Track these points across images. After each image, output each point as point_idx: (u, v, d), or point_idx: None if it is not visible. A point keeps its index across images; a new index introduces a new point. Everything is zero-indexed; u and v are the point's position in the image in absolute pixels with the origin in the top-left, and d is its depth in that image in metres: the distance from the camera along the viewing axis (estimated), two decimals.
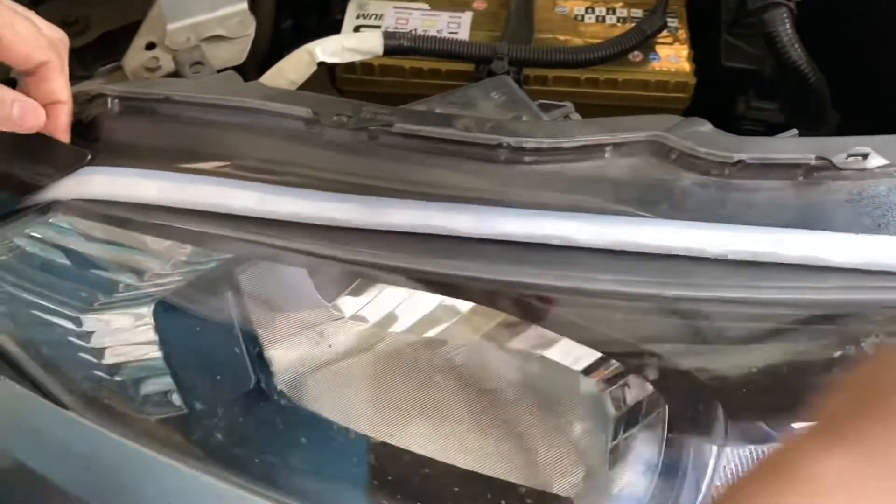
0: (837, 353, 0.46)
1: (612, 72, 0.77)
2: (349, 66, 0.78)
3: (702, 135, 0.53)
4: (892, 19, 0.76)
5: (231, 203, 0.51)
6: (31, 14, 0.53)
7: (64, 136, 0.54)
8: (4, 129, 0.51)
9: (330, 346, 0.72)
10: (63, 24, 0.93)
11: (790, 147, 0.51)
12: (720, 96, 0.81)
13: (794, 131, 0.57)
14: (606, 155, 0.52)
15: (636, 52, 0.78)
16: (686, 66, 0.78)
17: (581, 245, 0.49)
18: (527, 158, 0.53)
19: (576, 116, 0.61)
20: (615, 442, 0.58)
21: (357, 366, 0.73)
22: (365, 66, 0.79)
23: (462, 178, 0.53)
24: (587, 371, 0.57)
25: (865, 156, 0.50)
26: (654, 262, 0.48)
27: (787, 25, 0.70)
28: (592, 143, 0.52)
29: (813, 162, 0.50)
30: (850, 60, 0.82)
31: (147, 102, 0.58)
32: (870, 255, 0.47)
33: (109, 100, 0.58)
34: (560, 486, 0.61)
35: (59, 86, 0.54)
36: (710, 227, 0.49)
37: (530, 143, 0.52)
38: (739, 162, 0.51)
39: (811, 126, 0.78)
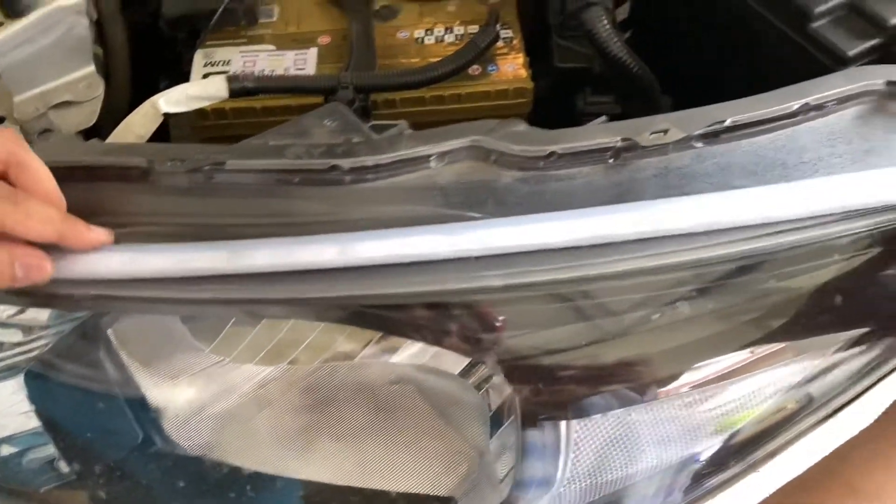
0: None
1: (454, 87, 0.81)
2: (202, 113, 0.80)
3: (517, 134, 0.56)
4: (709, 10, 0.82)
5: (97, 269, 0.51)
6: None
7: None
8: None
9: (216, 389, 0.73)
10: None
11: (599, 133, 0.55)
12: (561, 96, 0.86)
13: (604, 118, 0.61)
14: (432, 164, 0.55)
15: (475, 66, 0.82)
16: (523, 73, 0.83)
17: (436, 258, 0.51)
18: (360, 177, 0.55)
19: (409, 133, 0.64)
20: (495, 435, 0.60)
21: (245, 403, 0.74)
22: (217, 112, 0.81)
23: (305, 204, 0.55)
24: (463, 373, 0.60)
25: (666, 131, 0.55)
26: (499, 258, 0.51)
27: (604, 23, 0.75)
28: (418, 156, 0.55)
29: (619, 144, 0.55)
30: (680, 47, 0.88)
31: None
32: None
33: None
34: (447, 486, 0.63)
35: None
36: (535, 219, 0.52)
37: (360, 162, 0.55)
38: (552, 154, 0.54)
39: (645, 112, 0.83)
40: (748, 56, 0.76)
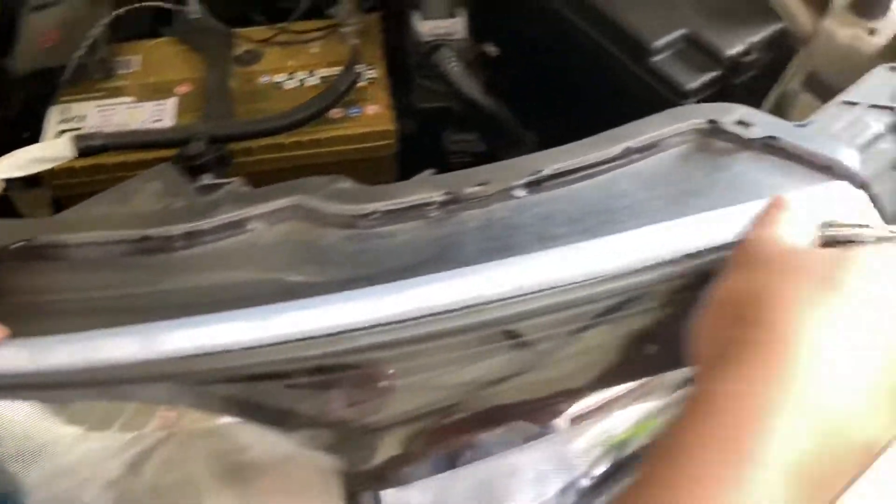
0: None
1: (314, 132, 0.80)
2: (52, 173, 0.77)
3: (341, 192, 0.55)
4: (562, 45, 0.82)
5: None
6: None
7: None
8: None
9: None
10: None
11: (420, 188, 0.55)
12: (426, 135, 0.85)
13: (430, 171, 0.60)
14: (254, 226, 0.54)
15: (336, 109, 0.81)
16: (386, 115, 0.82)
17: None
18: (177, 245, 0.53)
19: (245, 189, 0.63)
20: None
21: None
22: (69, 171, 0.78)
23: (124, 275, 0.53)
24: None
25: (487, 183, 0.54)
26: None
27: (453, 63, 0.75)
28: (239, 219, 0.54)
29: (441, 198, 0.54)
30: (540, 82, 0.88)
31: None
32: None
33: None
34: None
35: None
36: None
37: (175, 230, 0.53)
38: (374, 212, 0.54)
39: (509, 149, 0.84)
40: (600, 90, 0.77)
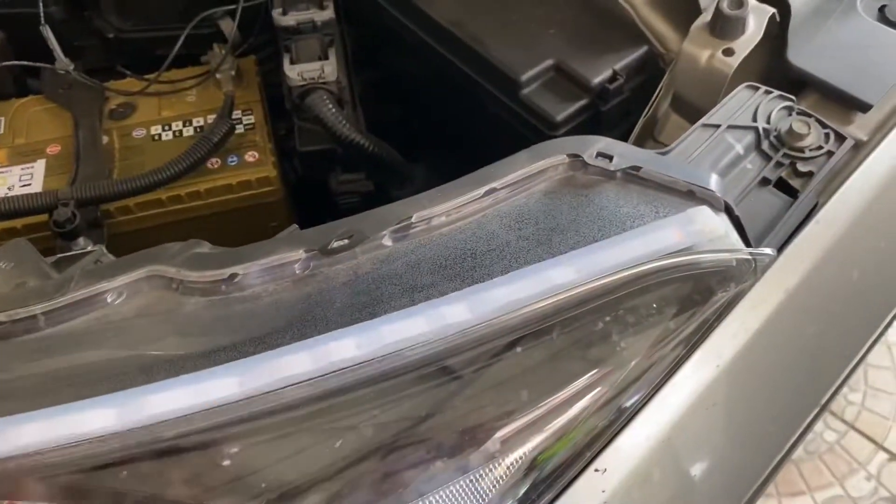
0: None
1: (192, 184, 0.78)
2: None
3: (199, 257, 0.53)
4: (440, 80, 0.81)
5: None
6: None
7: None
8: None
9: None
10: None
11: (283, 247, 0.53)
12: (313, 178, 0.83)
13: (294, 227, 0.59)
14: (109, 300, 0.52)
15: (213, 160, 0.79)
16: (266, 161, 0.80)
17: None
18: (29, 327, 0.51)
19: (108, 258, 0.60)
20: None
21: None
22: None
23: None
24: None
25: (351, 236, 0.53)
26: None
27: (329, 106, 0.73)
28: (92, 294, 0.51)
29: (304, 255, 0.52)
30: (424, 116, 0.88)
31: None
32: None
33: None
34: None
35: None
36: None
37: (24, 312, 0.50)
38: (233, 276, 0.52)
39: (399, 186, 0.83)
40: (479, 123, 0.76)
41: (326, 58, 0.75)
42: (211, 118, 0.84)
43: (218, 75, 0.84)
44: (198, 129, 0.83)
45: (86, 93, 0.85)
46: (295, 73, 0.74)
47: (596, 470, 0.51)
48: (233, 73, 0.84)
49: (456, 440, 0.59)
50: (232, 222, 0.81)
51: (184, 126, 0.83)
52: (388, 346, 0.46)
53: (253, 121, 0.83)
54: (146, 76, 0.84)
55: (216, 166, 0.79)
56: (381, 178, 0.82)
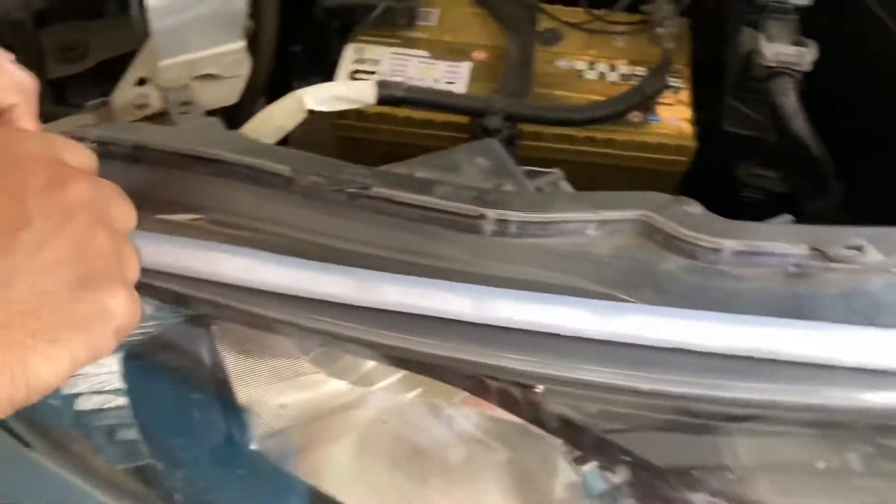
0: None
1: (610, 131, 0.75)
2: (342, 112, 0.77)
3: (691, 217, 0.50)
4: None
5: (220, 270, 0.49)
6: (6, 55, 0.52)
7: None
8: None
9: (307, 401, 0.70)
10: (62, 49, 0.93)
11: (783, 235, 0.49)
12: (721, 161, 0.79)
13: (789, 217, 0.54)
14: (590, 232, 0.50)
15: (636, 112, 0.76)
16: (687, 129, 0.76)
17: (572, 334, 0.46)
18: (508, 231, 0.50)
19: (565, 185, 0.59)
20: None
21: (338, 424, 0.71)
22: (358, 113, 0.77)
23: (443, 247, 0.51)
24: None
25: (860, 248, 0.48)
26: (640, 352, 0.46)
27: (792, 96, 0.68)
28: (576, 220, 0.50)
29: (806, 253, 0.48)
30: (858, 132, 0.80)
31: (123, 148, 0.56)
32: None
33: (87, 143, 0.57)
34: None
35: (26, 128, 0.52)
36: (700, 316, 0.47)
37: (512, 216, 0.50)
38: (722, 249, 0.48)
39: (814, 197, 0.76)
40: None
41: (804, 45, 0.69)
42: (637, 70, 0.81)
43: (658, 29, 0.81)
44: (622, 77, 0.81)
45: (519, 8, 0.85)
46: (770, 51, 0.69)
47: None
48: (674, 30, 0.81)
49: None
50: (626, 180, 0.78)
51: (610, 70, 0.81)
52: None
53: (679, 85, 0.80)
54: (594, 10, 0.83)
55: (637, 120, 0.77)
56: (795, 185, 0.76)
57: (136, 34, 0.89)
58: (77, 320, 0.35)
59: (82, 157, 0.42)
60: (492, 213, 0.50)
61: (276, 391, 0.71)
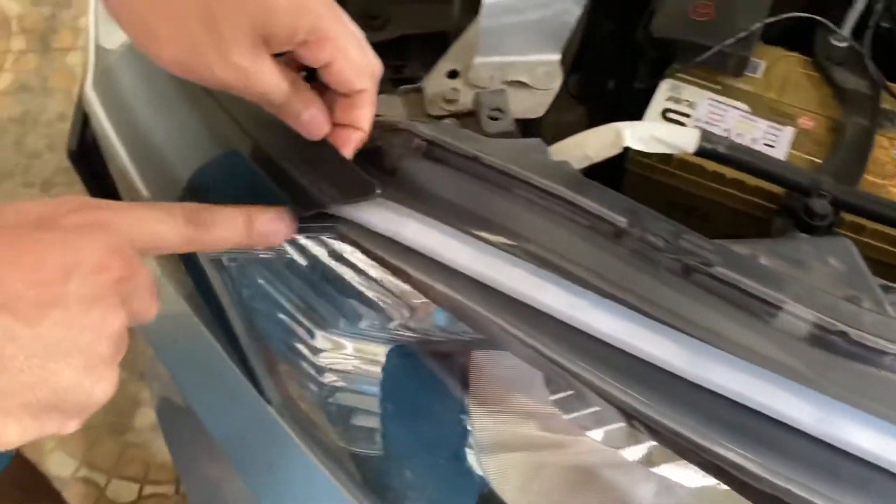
0: None
1: None
2: (665, 156, 0.72)
3: None
4: None
5: (540, 298, 0.47)
6: (362, 37, 0.51)
7: None
8: (290, 124, 0.50)
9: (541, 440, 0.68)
10: (364, 16, 0.95)
11: None
12: None
13: None
14: None
15: None
16: None
17: None
18: (856, 354, 0.45)
19: None
20: None
21: (553, 463, 0.69)
22: (680, 162, 0.72)
23: (779, 351, 0.46)
24: None
25: None
26: None
27: None
28: None
29: None
30: None
31: (453, 155, 0.55)
32: None
33: (417, 140, 0.56)
34: None
35: (366, 114, 0.52)
36: None
37: (869, 340, 0.44)
38: None
39: None
40: None
41: None
42: None
43: None
44: None
45: (863, 81, 0.77)
46: None
47: None
48: None
49: None
50: None
51: None
52: None
53: None
54: None
55: None
56: None
57: (440, 14, 0.89)
58: (67, 405, 0.36)
59: (144, 234, 0.41)
60: (852, 333, 0.44)
61: (512, 422, 0.69)
